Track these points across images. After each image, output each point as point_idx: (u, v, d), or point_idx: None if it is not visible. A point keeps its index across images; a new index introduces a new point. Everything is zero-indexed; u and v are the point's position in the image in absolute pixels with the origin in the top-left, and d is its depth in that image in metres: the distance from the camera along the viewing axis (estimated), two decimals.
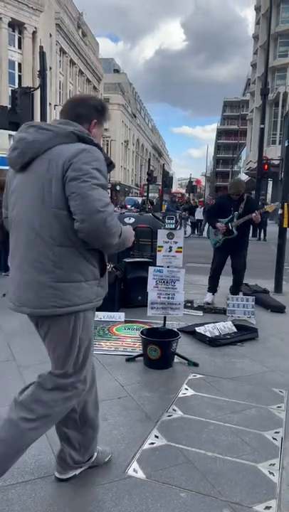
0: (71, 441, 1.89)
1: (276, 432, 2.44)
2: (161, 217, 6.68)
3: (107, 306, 4.67)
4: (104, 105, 1.83)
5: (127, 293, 5.07)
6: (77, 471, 1.95)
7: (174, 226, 3.50)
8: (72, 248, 1.63)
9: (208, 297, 5.38)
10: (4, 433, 1.67)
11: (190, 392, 2.92)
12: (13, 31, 32.22)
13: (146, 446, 2.25)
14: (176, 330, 3.63)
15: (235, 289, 5.25)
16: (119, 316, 4.57)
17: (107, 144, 55.40)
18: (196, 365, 3.38)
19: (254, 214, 4.87)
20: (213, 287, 5.44)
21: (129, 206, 23.26)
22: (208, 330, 4.03)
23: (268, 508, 1.83)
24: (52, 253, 1.61)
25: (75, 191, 1.55)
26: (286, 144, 6.48)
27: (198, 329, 4.07)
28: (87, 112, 1.76)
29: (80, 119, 1.73)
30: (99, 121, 1.80)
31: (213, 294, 5.40)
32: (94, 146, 1.64)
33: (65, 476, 1.93)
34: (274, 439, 2.37)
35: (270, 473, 2.06)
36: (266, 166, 18.75)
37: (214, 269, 5.41)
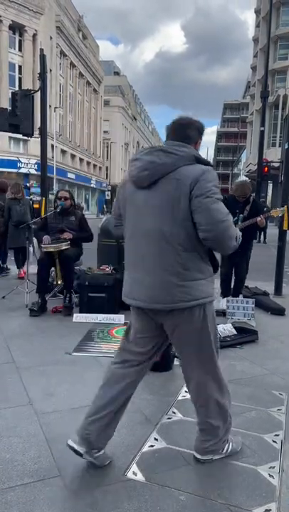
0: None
1: (276, 435, 2.44)
2: None
3: (106, 308, 4.69)
4: (204, 127, 2.12)
5: None
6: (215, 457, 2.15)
7: None
8: (195, 252, 1.93)
9: (223, 303, 5.05)
10: None
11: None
12: (14, 34, 32.35)
13: (145, 448, 2.24)
14: None
15: (235, 292, 5.23)
16: (119, 318, 4.57)
17: (107, 147, 55.51)
18: None
19: (259, 218, 4.82)
20: (226, 292, 5.26)
21: None
22: None
23: (267, 511, 1.82)
24: (180, 258, 1.90)
25: (200, 206, 1.84)
26: (286, 147, 6.49)
27: None
28: (193, 134, 2.04)
29: (188, 140, 2.00)
30: (200, 141, 2.11)
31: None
32: (210, 166, 1.95)
33: (204, 457, 2.14)
34: (274, 441, 2.37)
35: (270, 476, 2.06)
36: (266, 169, 18.77)
37: (225, 273, 5.24)
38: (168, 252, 1.90)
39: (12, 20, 31.09)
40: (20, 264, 7.01)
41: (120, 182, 2.25)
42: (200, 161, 1.93)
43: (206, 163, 1.94)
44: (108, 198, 49.80)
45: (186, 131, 2.02)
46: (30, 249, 6.51)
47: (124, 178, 2.13)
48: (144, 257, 1.97)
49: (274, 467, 2.13)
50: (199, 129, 2.08)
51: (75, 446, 2.04)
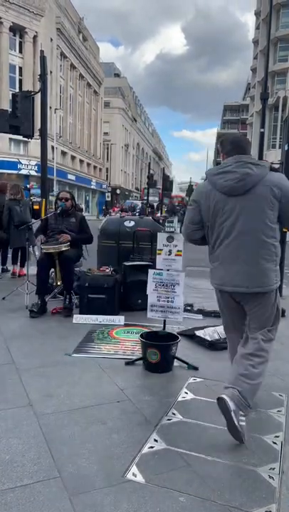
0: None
1: (276, 436, 2.43)
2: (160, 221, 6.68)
3: (106, 309, 4.69)
4: None
5: (126, 296, 5.07)
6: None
7: (173, 229, 3.51)
8: (278, 242, 2.45)
9: None
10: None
11: (190, 395, 2.92)
12: (14, 35, 32.41)
13: (145, 450, 2.24)
14: (175, 333, 3.63)
15: None
16: (119, 319, 4.57)
17: (108, 148, 55.55)
18: (195, 368, 3.37)
19: None
20: None
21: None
22: (208, 333, 4.02)
23: None
24: (273, 247, 2.42)
25: (287, 201, 2.38)
26: (286, 148, 6.49)
27: (198, 333, 4.06)
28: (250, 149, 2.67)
29: (249, 153, 2.58)
30: None
31: None
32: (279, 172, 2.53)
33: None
34: (274, 443, 2.37)
35: (270, 477, 2.06)
36: None
37: None
38: (266, 244, 2.39)
39: (12, 22, 31.15)
40: (16, 261, 7.14)
41: (196, 194, 2.62)
42: (272, 168, 2.46)
43: (275, 169, 2.49)
44: (108, 199, 49.82)
45: (249, 147, 2.60)
46: (31, 249, 6.54)
47: (204, 189, 2.54)
48: (246, 251, 2.41)
49: (274, 468, 2.13)
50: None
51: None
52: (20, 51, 32.95)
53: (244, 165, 2.40)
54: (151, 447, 2.26)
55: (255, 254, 2.39)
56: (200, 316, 4.92)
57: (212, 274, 2.61)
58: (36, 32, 32.82)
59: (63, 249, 4.89)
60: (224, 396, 2.30)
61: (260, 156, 17.83)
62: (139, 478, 2.00)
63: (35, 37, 32.90)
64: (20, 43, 33.00)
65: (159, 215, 22.23)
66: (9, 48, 31.48)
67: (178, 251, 3.46)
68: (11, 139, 30.46)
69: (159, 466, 2.11)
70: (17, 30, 32.30)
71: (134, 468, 2.07)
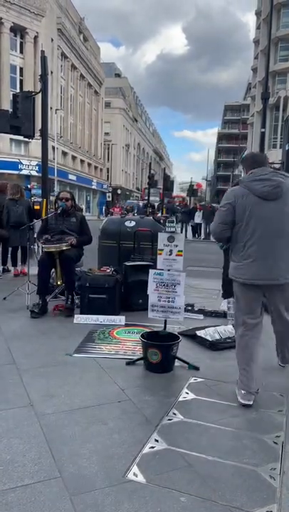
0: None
1: (277, 436, 2.43)
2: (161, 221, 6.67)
3: (107, 309, 4.69)
4: None
5: (127, 296, 5.07)
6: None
7: (174, 229, 3.51)
8: None
9: (224, 305, 5.06)
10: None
11: (191, 396, 2.91)
12: (15, 36, 32.40)
13: (146, 450, 2.24)
14: (176, 333, 3.63)
15: None
16: (120, 319, 4.57)
17: (108, 148, 55.56)
18: (196, 368, 3.37)
19: None
20: (229, 293, 5.24)
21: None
22: (209, 333, 4.02)
23: None
24: None
25: None
26: (287, 148, 6.49)
27: (198, 333, 4.06)
28: None
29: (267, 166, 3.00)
30: None
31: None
32: None
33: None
34: (275, 443, 2.36)
35: (271, 477, 2.05)
36: None
37: (228, 275, 5.16)
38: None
39: (13, 23, 31.14)
40: (16, 262, 7.20)
41: (231, 196, 2.89)
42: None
43: None
44: (109, 199, 49.78)
45: (267, 161, 3.06)
46: (35, 247, 6.58)
47: (240, 193, 2.84)
48: (277, 248, 2.78)
49: (275, 469, 2.13)
50: None
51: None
52: (21, 51, 32.94)
53: (276, 174, 2.81)
54: (152, 447, 2.26)
55: (286, 251, 2.80)
56: (201, 316, 4.92)
57: (242, 271, 2.86)
58: (37, 32, 32.82)
59: (64, 248, 4.89)
60: None
61: None
62: (140, 478, 2.00)
63: (35, 37, 32.89)
64: (21, 44, 32.99)
65: (159, 215, 22.22)
66: (10, 48, 31.47)
67: (179, 251, 3.46)
68: (11, 140, 30.46)
69: (159, 466, 2.11)
70: (18, 30, 32.29)
71: (135, 468, 2.07)
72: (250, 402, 2.78)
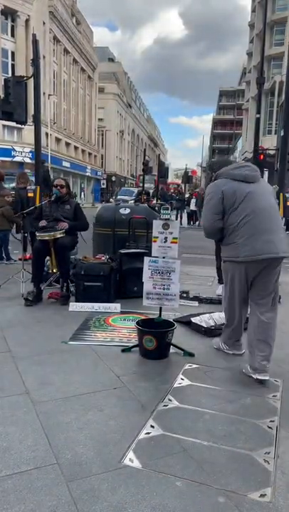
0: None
1: (271, 421, 2.46)
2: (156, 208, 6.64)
3: (102, 297, 4.69)
4: None
5: (122, 284, 5.07)
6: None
7: (169, 216, 3.49)
8: None
9: (220, 289, 5.04)
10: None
11: (186, 382, 2.93)
12: (6, 19, 31.71)
13: (142, 436, 2.26)
14: (171, 320, 3.64)
15: None
16: (115, 307, 4.57)
17: (102, 134, 54.99)
18: (191, 355, 3.39)
19: None
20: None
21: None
22: (204, 320, 4.03)
23: (262, 495, 1.84)
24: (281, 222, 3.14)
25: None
26: (282, 134, 6.44)
27: (193, 319, 4.08)
28: None
29: None
30: None
31: None
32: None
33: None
34: (269, 427, 2.39)
35: (265, 461, 2.08)
36: (262, 156, 18.65)
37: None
38: (278, 217, 3.05)
39: (4, 5, 30.44)
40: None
41: (216, 186, 3.10)
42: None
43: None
44: (104, 186, 49.45)
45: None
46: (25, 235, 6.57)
47: (222, 182, 3.08)
48: (272, 223, 2.96)
49: (269, 453, 2.15)
50: None
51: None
52: (13, 35, 32.27)
53: (251, 165, 3.18)
54: (148, 433, 2.28)
55: (276, 224, 2.99)
56: (195, 303, 4.94)
57: (238, 250, 2.96)
58: (28, 15, 32.12)
59: (58, 236, 4.85)
60: None
61: (256, 142, 17.75)
62: (136, 464, 2.02)
63: (27, 20, 32.20)
64: (13, 27, 32.30)
65: (154, 202, 22.11)
66: (1, 32, 30.83)
67: (173, 238, 3.44)
68: (4, 126, 30.04)
69: (155, 451, 2.12)
70: (9, 13, 31.58)
71: (130, 454, 2.09)
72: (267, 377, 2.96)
